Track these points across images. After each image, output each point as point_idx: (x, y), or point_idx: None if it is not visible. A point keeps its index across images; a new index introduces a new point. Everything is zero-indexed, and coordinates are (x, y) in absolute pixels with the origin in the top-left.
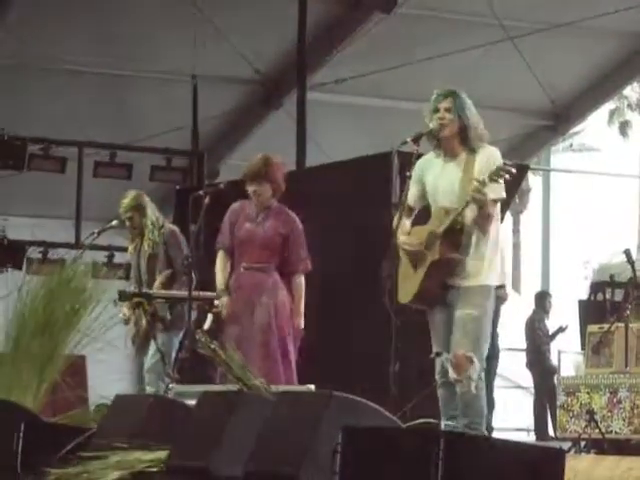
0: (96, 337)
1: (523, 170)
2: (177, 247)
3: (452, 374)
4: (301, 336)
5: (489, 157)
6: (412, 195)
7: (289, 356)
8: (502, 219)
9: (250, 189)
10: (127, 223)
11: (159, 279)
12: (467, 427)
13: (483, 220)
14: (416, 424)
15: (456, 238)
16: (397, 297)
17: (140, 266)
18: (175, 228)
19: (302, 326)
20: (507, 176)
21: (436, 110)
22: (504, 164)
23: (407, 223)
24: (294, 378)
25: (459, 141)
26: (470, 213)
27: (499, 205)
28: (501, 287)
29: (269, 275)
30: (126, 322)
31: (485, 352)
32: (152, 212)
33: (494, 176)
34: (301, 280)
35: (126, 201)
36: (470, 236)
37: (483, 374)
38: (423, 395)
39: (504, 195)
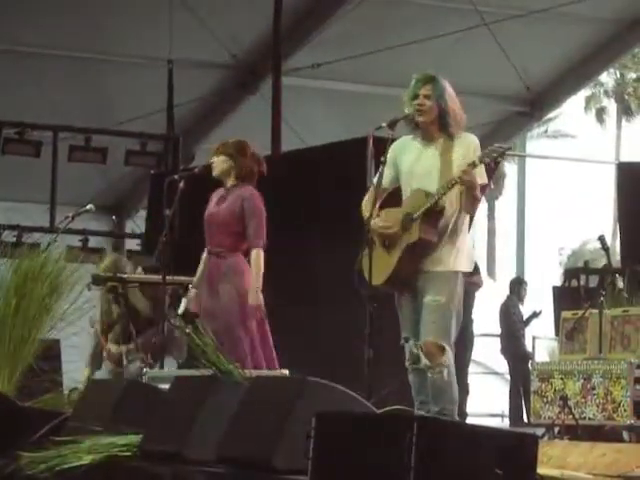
0: (71, 321)
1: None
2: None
3: (424, 361)
4: (259, 313)
5: (469, 144)
6: (387, 177)
7: (254, 338)
8: None
9: (212, 159)
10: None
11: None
12: (439, 414)
13: (472, 203)
14: (389, 410)
15: (435, 221)
16: (370, 280)
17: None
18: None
19: (258, 302)
20: (497, 158)
21: (415, 96)
22: (488, 150)
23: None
24: (260, 358)
25: (437, 127)
26: (453, 197)
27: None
28: (474, 273)
29: (226, 259)
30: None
31: (453, 338)
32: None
33: (486, 157)
34: (257, 254)
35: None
36: (449, 220)
37: (452, 360)
38: (396, 382)
39: (487, 180)
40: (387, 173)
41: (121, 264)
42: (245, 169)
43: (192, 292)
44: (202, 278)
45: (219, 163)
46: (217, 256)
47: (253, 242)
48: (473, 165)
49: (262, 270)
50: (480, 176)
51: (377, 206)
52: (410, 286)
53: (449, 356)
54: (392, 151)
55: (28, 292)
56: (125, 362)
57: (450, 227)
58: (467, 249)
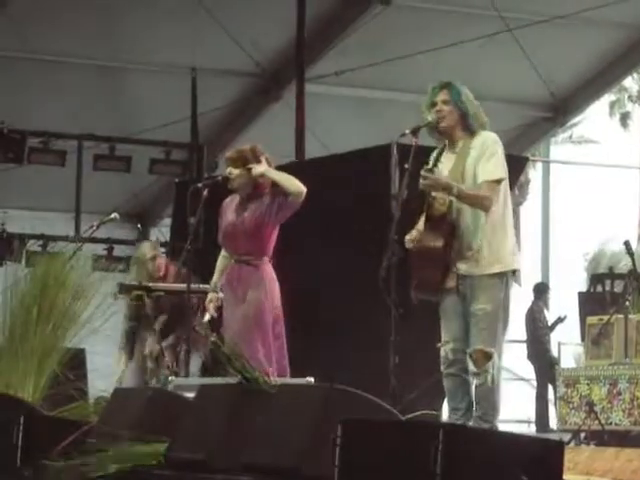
0: (95, 330)
1: (523, 162)
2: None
3: (471, 368)
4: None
5: (484, 141)
6: None
7: (278, 344)
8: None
9: (227, 171)
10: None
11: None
12: (480, 419)
13: (467, 202)
14: (415, 416)
15: (438, 225)
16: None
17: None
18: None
19: (261, 170)
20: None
21: (433, 104)
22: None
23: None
24: (286, 365)
25: (461, 129)
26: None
27: (502, 186)
28: (516, 270)
29: (256, 267)
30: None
31: (503, 343)
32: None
33: (434, 161)
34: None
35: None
36: (465, 222)
37: (501, 364)
38: (424, 388)
39: (499, 175)
40: None
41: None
42: (261, 180)
43: (210, 295)
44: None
45: (238, 177)
46: (247, 264)
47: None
48: (428, 171)
49: (288, 179)
50: (486, 172)
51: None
52: (447, 290)
53: (496, 363)
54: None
55: (52, 300)
56: (151, 365)
57: (475, 228)
58: (503, 248)
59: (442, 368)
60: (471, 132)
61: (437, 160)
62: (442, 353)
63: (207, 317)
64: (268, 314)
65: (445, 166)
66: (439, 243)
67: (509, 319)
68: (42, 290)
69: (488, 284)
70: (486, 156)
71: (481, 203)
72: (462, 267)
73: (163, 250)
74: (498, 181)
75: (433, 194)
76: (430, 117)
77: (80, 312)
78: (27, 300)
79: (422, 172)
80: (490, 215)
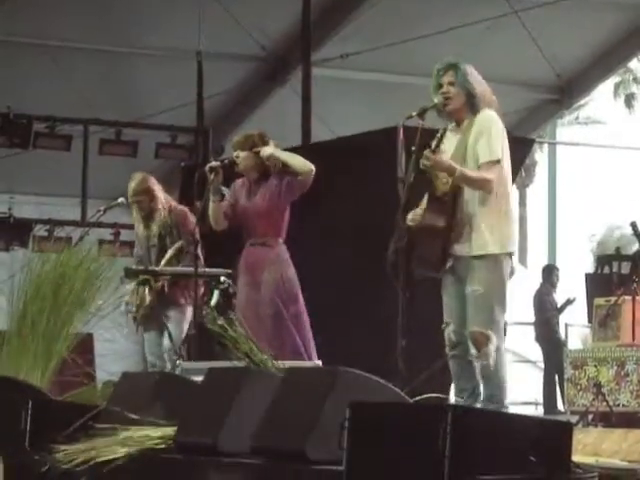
0: (104, 315)
1: (529, 144)
2: (187, 228)
3: (472, 350)
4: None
5: (482, 121)
6: None
7: (300, 324)
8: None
9: (234, 155)
10: (135, 206)
11: (167, 255)
12: (487, 400)
13: (468, 184)
14: (423, 398)
15: (440, 205)
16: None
17: (150, 248)
18: (186, 209)
19: (268, 151)
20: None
21: (439, 85)
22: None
23: None
24: (310, 340)
25: (467, 110)
26: (457, 178)
27: (503, 166)
28: (512, 253)
29: (272, 247)
30: (128, 307)
31: (502, 321)
32: (160, 193)
33: (436, 142)
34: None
35: (133, 185)
36: (464, 202)
37: (503, 345)
38: (432, 370)
39: (497, 156)
40: None
41: (151, 182)
42: (267, 165)
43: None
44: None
45: (244, 159)
46: (262, 245)
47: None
48: (431, 151)
49: (299, 160)
50: (485, 153)
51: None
52: (447, 270)
53: (494, 343)
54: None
55: (62, 286)
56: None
57: (473, 209)
58: (502, 230)
59: (447, 350)
60: (477, 112)
61: (440, 141)
62: (445, 335)
63: (214, 301)
64: (282, 294)
65: (451, 145)
66: (441, 223)
67: (506, 301)
68: (48, 275)
69: (481, 265)
70: (485, 136)
71: (483, 185)
72: (457, 248)
73: None
74: (497, 161)
75: (436, 173)
76: (436, 99)
77: (88, 297)
78: (36, 286)
79: (425, 152)
80: (488, 196)
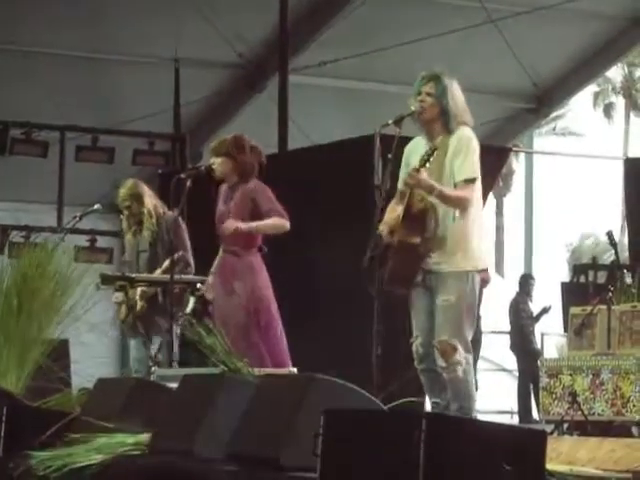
0: (78, 320)
1: (506, 153)
2: (179, 236)
3: (439, 361)
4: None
5: (460, 139)
6: (401, 179)
7: (269, 333)
8: (484, 201)
9: (210, 162)
10: (125, 212)
11: (164, 265)
12: (458, 412)
13: (446, 203)
14: (398, 404)
15: (416, 222)
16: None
17: (139, 254)
18: (177, 216)
19: (231, 227)
20: (430, 159)
21: (419, 93)
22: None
23: (398, 208)
24: (283, 354)
25: (440, 125)
26: (435, 197)
27: (477, 185)
28: (483, 270)
29: (241, 257)
30: (120, 304)
31: (469, 336)
32: (150, 200)
33: (421, 160)
34: (280, 220)
35: (124, 190)
36: (439, 219)
37: (471, 358)
38: (404, 379)
39: (475, 174)
40: (402, 175)
41: (141, 188)
42: (246, 165)
43: (209, 279)
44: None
45: (219, 165)
46: (232, 254)
47: (273, 213)
48: (415, 170)
49: (271, 228)
50: (463, 171)
51: (390, 208)
52: (417, 285)
53: (463, 354)
54: (405, 152)
55: (34, 291)
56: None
57: (447, 226)
58: (474, 247)
59: (416, 364)
60: (448, 129)
61: (426, 161)
62: (413, 348)
63: (190, 307)
64: (251, 305)
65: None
66: (417, 239)
67: (475, 314)
68: (23, 281)
69: (452, 277)
70: (462, 154)
71: (459, 203)
72: (429, 262)
73: None
74: (474, 180)
75: (413, 191)
76: (413, 106)
77: (62, 303)
78: (9, 291)
79: (410, 171)
80: (462, 213)
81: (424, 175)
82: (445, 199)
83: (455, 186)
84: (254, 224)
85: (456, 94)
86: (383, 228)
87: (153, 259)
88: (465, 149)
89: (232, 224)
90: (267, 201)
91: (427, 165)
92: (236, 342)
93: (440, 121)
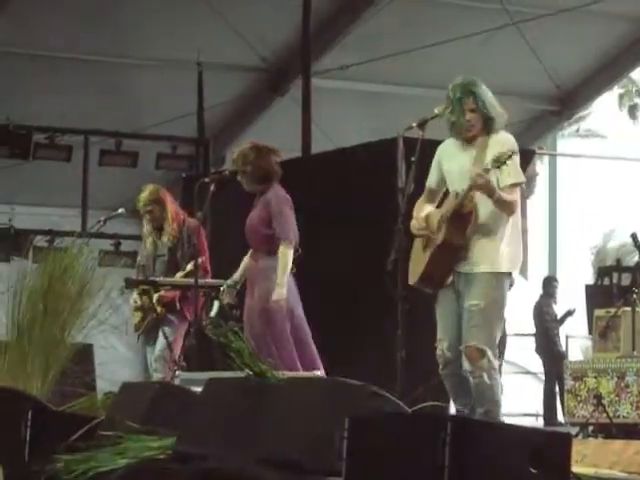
0: (102, 324)
1: (529, 155)
2: (201, 242)
3: (466, 365)
4: (293, 316)
5: (504, 143)
6: (432, 178)
7: (284, 340)
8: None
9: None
10: (147, 217)
11: (188, 268)
12: (484, 416)
13: (500, 206)
14: (423, 407)
15: (463, 223)
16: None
17: (156, 258)
18: (197, 222)
19: (282, 296)
20: (509, 161)
21: (461, 112)
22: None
23: (427, 206)
24: (292, 360)
25: (481, 129)
26: (482, 198)
27: (519, 189)
28: (512, 275)
29: (261, 262)
30: (137, 309)
31: (497, 341)
32: (171, 205)
33: (496, 163)
34: (282, 251)
35: (145, 195)
36: (482, 222)
37: (497, 363)
38: (430, 384)
39: (522, 179)
40: (432, 174)
41: (162, 193)
42: (264, 171)
43: (225, 285)
44: (242, 277)
45: (245, 184)
46: (255, 259)
47: (280, 240)
48: (486, 170)
49: (288, 267)
50: (510, 176)
51: (419, 206)
52: (446, 287)
53: (490, 359)
54: (438, 152)
55: (59, 296)
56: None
57: (487, 229)
58: (508, 251)
59: (440, 369)
60: (487, 131)
61: (503, 163)
62: (438, 352)
63: (214, 311)
64: (268, 312)
65: (462, 161)
66: (461, 241)
67: (504, 318)
68: (48, 285)
69: (483, 281)
70: (508, 159)
71: (509, 207)
72: (464, 264)
73: None
74: (520, 184)
75: (468, 191)
76: (437, 110)
77: (87, 307)
78: (34, 296)
79: (479, 171)
80: (504, 216)
81: (492, 177)
82: (501, 203)
83: (501, 189)
84: (281, 279)
85: (492, 100)
86: (415, 223)
87: (171, 264)
88: (510, 154)
89: (279, 295)
90: (282, 225)
91: (502, 167)
92: (259, 347)
93: (484, 128)
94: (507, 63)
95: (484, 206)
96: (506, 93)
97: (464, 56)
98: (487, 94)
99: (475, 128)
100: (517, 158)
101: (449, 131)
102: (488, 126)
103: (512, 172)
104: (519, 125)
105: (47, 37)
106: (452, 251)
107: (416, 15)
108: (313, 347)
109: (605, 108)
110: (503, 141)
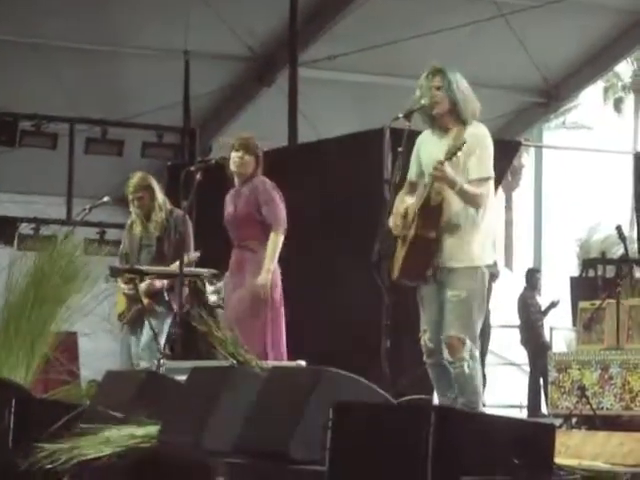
0: (87, 313)
1: (515, 147)
2: (188, 234)
3: (445, 355)
4: (276, 301)
5: (476, 136)
6: (412, 170)
7: (274, 327)
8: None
9: (236, 155)
10: (135, 203)
11: (186, 259)
12: (464, 406)
13: (464, 199)
14: (407, 399)
15: (432, 216)
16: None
17: (142, 247)
18: (185, 213)
19: (268, 282)
20: (458, 153)
21: (427, 89)
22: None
23: (407, 199)
24: (283, 348)
25: (451, 117)
26: (451, 191)
27: (491, 183)
28: (492, 265)
29: (254, 252)
30: (124, 296)
31: (477, 332)
32: (159, 194)
33: (447, 154)
34: (273, 237)
35: (135, 181)
36: (452, 215)
37: (477, 353)
38: (415, 374)
39: (489, 174)
40: (412, 167)
41: (152, 181)
42: (258, 167)
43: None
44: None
45: (243, 161)
46: (246, 249)
47: (271, 226)
48: (440, 163)
49: (277, 253)
50: (478, 169)
51: (399, 199)
52: (428, 279)
53: (470, 349)
54: (416, 144)
55: (43, 284)
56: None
57: (459, 222)
58: (484, 243)
59: (424, 358)
60: (462, 121)
61: (453, 154)
62: (422, 342)
63: (213, 299)
64: (262, 298)
65: (436, 152)
66: (432, 234)
67: (485, 309)
68: (33, 273)
69: (464, 272)
70: (477, 152)
71: (475, 200)
72: (441, 257)
73: None
74: (488, 179)
75: (433, 184)
76: (423, 101)
77: (72, 296)
78: (21, 284)
79: (435, 164)
80: (475, 209)
81: (449, 169)
82: (464, 195)
83: (469, 183)
84: (269, 265)
85: (462, 85)
86: (393, 220)
87: (158, 254)
88: (480, 147)
89: (264, 280)
90: (272, 212)
91: (453, 159)
92: (243, 333)
93: (452, 114)
94: (495, 55)
95: (454, 199)
96: (493, 85)
97: (452, 47)
98: (458, 79)
99: (440, 107)
100: (489, 151)
101: (422, 119)
102: (458, 112)
103: (480, 166)
104: (506, 117)
105: (34, 25)
106: (425, 244)
107: (404, 6)
108: (283, 340)
109: (591, 100)
110: (475, 133)
